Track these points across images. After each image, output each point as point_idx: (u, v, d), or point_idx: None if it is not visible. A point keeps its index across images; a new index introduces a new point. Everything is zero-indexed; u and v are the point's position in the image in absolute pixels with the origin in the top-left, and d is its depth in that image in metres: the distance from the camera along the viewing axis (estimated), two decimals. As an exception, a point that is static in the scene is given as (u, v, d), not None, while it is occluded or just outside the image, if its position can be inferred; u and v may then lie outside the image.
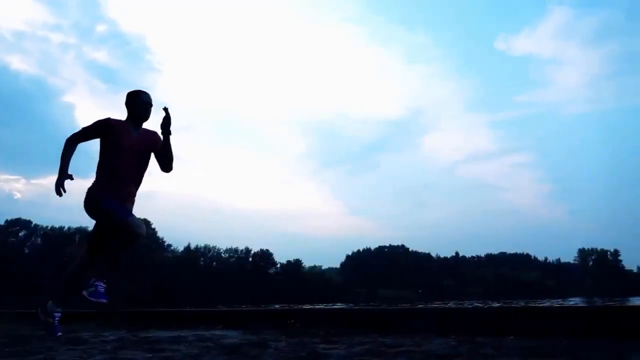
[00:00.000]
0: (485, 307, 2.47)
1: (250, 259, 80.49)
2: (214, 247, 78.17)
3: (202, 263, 74.47)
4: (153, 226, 69.54)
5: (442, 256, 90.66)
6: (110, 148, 3.01)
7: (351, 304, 28.47)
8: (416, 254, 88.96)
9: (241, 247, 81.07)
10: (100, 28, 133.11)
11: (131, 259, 55.81)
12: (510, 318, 2.39)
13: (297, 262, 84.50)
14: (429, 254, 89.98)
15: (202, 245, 76.69)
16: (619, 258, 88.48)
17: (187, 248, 73.38)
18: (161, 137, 3.10)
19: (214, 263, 76.47)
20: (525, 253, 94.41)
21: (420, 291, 76.07)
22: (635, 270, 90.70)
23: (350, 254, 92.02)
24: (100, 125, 3.02)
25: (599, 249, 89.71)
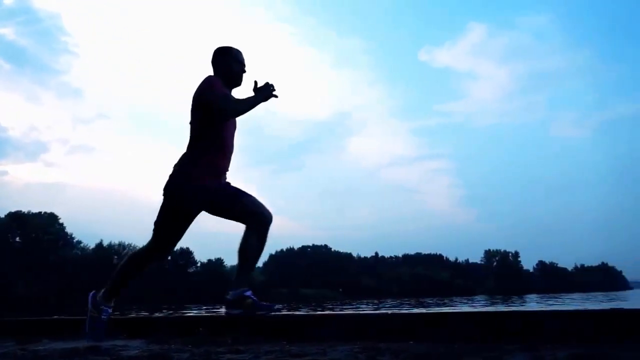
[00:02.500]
0: (390, 313, 2.58)
1: (169, 258, 77.40)
2: (130, 245, 74.01)
3: (115, 261, 70.14)
4: (61, 221, 64.32)
5: (362, 256, 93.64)
6: (207, 119, 2.41)
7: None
8: (338, 254, 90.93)
9: (160, 244, 77.59)
10: (7, 0, 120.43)
11: (33, 257, 51.18)
12: (412, 323, 2.53)
13: (219, 261, 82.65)
14: (350, 254, 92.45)
15: (117, 242, 72.33)
16: (519, 259, 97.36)
17: (100, 245, 68.70)
18: None
19: (129, 261, 72.46)
20: (438, 254, 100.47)
21: (340, 290, 77.90)
22: (531, 269, 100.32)
23: (273, 253, 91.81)
24: (222, 87, 2.43)
25: (502, 250, 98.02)
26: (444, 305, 17.52)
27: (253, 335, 2.54)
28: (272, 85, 2.39)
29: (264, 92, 2.38)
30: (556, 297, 29.79)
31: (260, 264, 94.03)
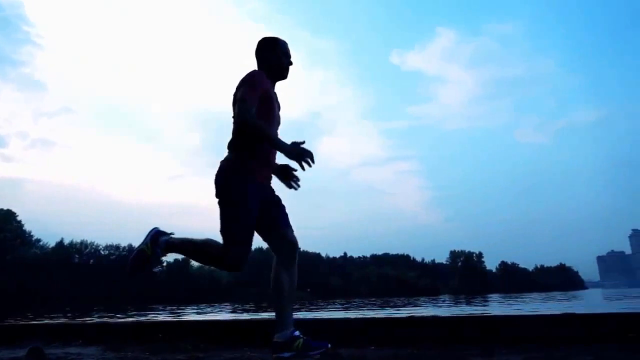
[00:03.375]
0: (352, 318, 2.60)
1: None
2: (92, 243, 71.82)
3: (76, 260, 67.78)
4: (19, 218, 61.73)
5: (331, 256, 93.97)
6: (264, 110, 2.19)
7: (237, 305, 28.15)
8: (307, 254, 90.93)
9: (124, 243, 75.59)
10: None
11: (-13, 256, 48.94)
12: (372, 328, 2.54)
13: (185, 261, 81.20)
14: (319, 254, 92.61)
15: (78, 240, 69.98)
16: (482, 259, 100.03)
17: (60, 244, 66.25)
18: None
19: (91, 261, 70.10)
20: (405, 254, 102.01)
21: (308, 290, 77.90)
22: (494, 270, 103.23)
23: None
24: (262, 79, 2.23)
25: (466, 251, 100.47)
26: (410, 306, 17.78)
27: (214, 341, 2.50)
28: (310, 156, 2.04)
29: (296, 152, 2.04)
30: (517, 297, 30.75)
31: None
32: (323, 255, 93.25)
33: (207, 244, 2.18)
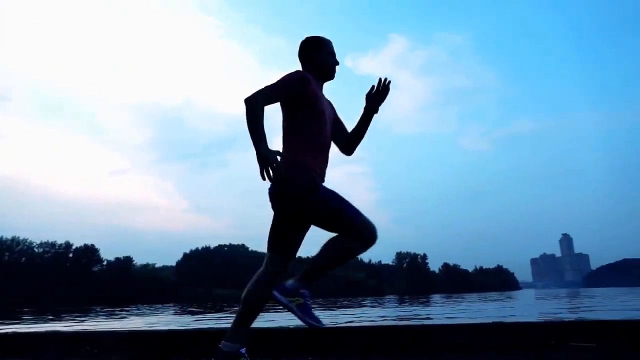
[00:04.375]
0: (292, 327, 2.61)
1: (71, 255, 71.51)
2: (25, 240, 67.42)
3: (6, 258, 63.29)
4: (-61, 212, 56.84)
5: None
6: (311, 111, 2.13)
7: (184, 305, 27.39)
8: (255, 254, 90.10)
9: (60, 240, 71.62)
10: None
11: None
12: (314, 338, 2.56)
13: (128, 259, 78.01)
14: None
15: (9, 237, 65.44)
16: (427, 261, 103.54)
17: (-13, 240, 61.77)
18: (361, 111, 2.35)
19: (23, 259, 65.70)
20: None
21: (256, 290, 77.17)
22: (437, 271, 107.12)
23: (188, 252, 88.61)
24: (302, 80, 2.12)
25: (412, 252, 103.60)
26: (357, 306, 18.05)
27: (149, 352, 2.42)
28: (269, 169, 1.94)
29: (264, 160, 1.94)
30: (457, 297, 32.06)
31: (172, 262, 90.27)
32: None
33: (331, 246, 2.12)
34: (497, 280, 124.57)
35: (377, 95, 2.31)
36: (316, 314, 2.13)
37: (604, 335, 2.05)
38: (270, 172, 1.91)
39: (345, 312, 12.17)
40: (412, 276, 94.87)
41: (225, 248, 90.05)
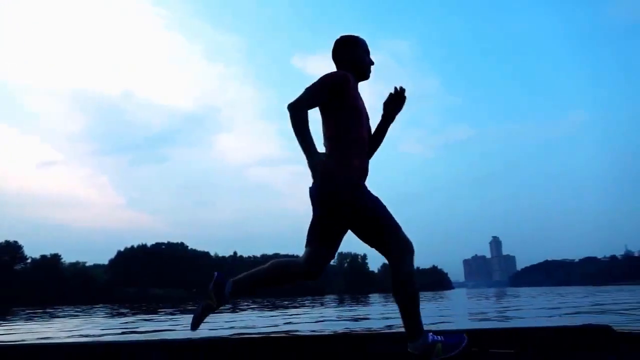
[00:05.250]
0: (202, 338, 2.55)
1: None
2: None
3: None
4: None
5: (220, 255, 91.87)
6: (352, 111, 2.07)
7: (115, 306, 26.08)
8: (194, 253, 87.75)
9: (-22, 236, 65.79)
10: None
11: None
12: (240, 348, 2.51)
13: (55, 257, 73.20)
14: (207, 253, 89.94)
15: None
16: (366, 261, 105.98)
17: None
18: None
19: None
20: (296, 254, 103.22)
21: (194, 290, 75.12)
22: (376, 271, 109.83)
23: (122, 249, 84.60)
24: (343, 80, 2.04)
25: (352, 253, 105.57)
26: (297, 307, 18.09)
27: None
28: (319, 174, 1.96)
29: (313, 167, 1.96)
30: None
31: (105, 261, 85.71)
32: (212, 254, 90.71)
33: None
34: (432, 280, 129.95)
35: (394, 103, 2.26)
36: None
37: (522, 341, 2.17)
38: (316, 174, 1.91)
39: (287, 314, 12.14)
40: (352, 276, 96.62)
41: (163, 246, 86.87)
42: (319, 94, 2.03)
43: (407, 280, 1.96)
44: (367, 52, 2.26)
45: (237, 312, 13.95)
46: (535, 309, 9.28)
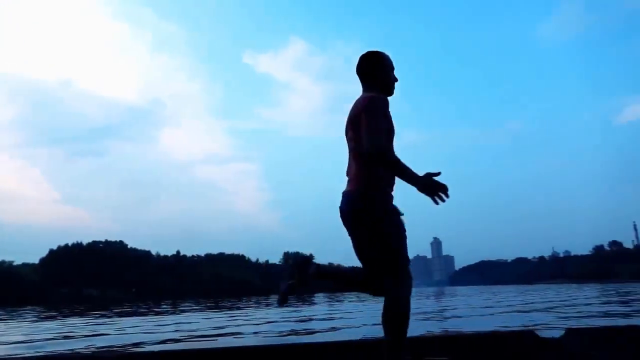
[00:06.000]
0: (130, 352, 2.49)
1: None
2: None
3: None
4: None
5: (162, 254, 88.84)
6: (390, 135, 2.07)
7: (44, 308, 24.47)
8: (135, 252, 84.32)
9: None
10: None
11: None
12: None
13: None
14: (148, 252, 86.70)
15: None
16: (313, 260, 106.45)
17: None
18: None
19: None
20: (241, 254, 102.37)
21: (133, 290, 72.17)
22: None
23: (55, 248, 79.63)
24: (387, 104, 2.10)
25: (299, 252, 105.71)
26: (241, 308, 17.90)
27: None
28: (444, 190, 1.93)
29: (429, 186, 1.92)
30: (340, 296, 33.44)
31: (36, 260, 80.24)
32: (153, 253, 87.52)
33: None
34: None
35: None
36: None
37: (455, 348, 2.31)
38: (442, 194, 1.90)
39: (226, 316, 11.99)
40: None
41: (101, 245, 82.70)
42: (385, 122, 2.04)
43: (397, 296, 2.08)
44: (393, 69, 2.27)
45: (179, 313, 13.59)
46: (471, 307, 9.78)
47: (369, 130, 1.97)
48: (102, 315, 13.72)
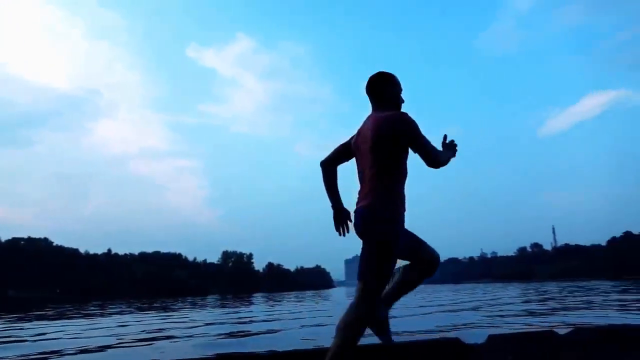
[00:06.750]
0: None
1: None
2: None
3: None
4: None
5: (92, 252, 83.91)
6: (406, 153, 2.22)
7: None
8: (61, 249, 78.98)
9: None
10: None
11: None
12: None
13: None
14: (77, 250, 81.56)
15: None
16: (252, 260, 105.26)
17: None
18: None
19: None
20: (177, 252, 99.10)
21: (58, 291, 67.56)
22: (261, 270, 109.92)
23: (-33, 245, 72.65)
24: None
25: (238, 251, 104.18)
26: (176, 310, 17.36)
27: None
28: (456, 145, 2.38)
29: (454, 150, 2.37)
30: (278, 296, 33.41)
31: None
32: (82, 251, 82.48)
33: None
34: (316, 279, 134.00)
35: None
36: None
37: (382, 358, 2.34)
38: (456, 148, 2.39)
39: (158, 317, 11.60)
40: (237, 275, 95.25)
41: (22, 242, 76.57)
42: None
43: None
44: (402, 90, 2.38)
45: (108, 315, 12.91)
46: (407, 307, 10.12)
47: (426, 147, 2.15)
48: (20, 319, 12.73)
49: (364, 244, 2.17)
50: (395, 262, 2.17)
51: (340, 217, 2.43)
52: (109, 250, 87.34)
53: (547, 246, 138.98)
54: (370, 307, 2.09)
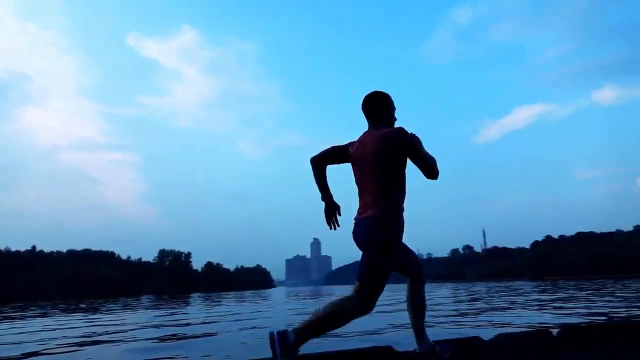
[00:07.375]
0: None
1: None
2: None
3: None
4: None
5: (14, 250, 77.71)
6: (404, 167, 2.34)
7: None
8: (-21, 247, 72.45)
9: None
10: None
11: None
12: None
13: None
14: (-5, 247, 75.17)
15: None
16: (190, 259, 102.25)
17: None
18: None
19: None
20: (110, 251, 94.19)
21: (-28, 291, 61.85)
22: (200, 270, 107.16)
23: None
24: None
25: (176, 250, 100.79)
26: (106, 312, 16.54)
27: None
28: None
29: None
30: (216, 297, 32.74)
31: None
32: (2, 247, 76.20)
33: (337, 305, 2.22)
34: (256, 278, 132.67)
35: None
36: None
37: None
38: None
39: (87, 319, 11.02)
40: (174, 275, 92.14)
41: None
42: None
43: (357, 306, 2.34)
44: (395, 109, 2.52)
45: (30, 318, 12.04)
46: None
47: (428, 159, 2.29)
48: None
49: (364, 250, 2.31)
50: (395, 263, 2.30)
51: (331, 210, 2.47)
52: (34, 247, 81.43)
53: (478, 248, 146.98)
54: (365, 304, 2.27)
